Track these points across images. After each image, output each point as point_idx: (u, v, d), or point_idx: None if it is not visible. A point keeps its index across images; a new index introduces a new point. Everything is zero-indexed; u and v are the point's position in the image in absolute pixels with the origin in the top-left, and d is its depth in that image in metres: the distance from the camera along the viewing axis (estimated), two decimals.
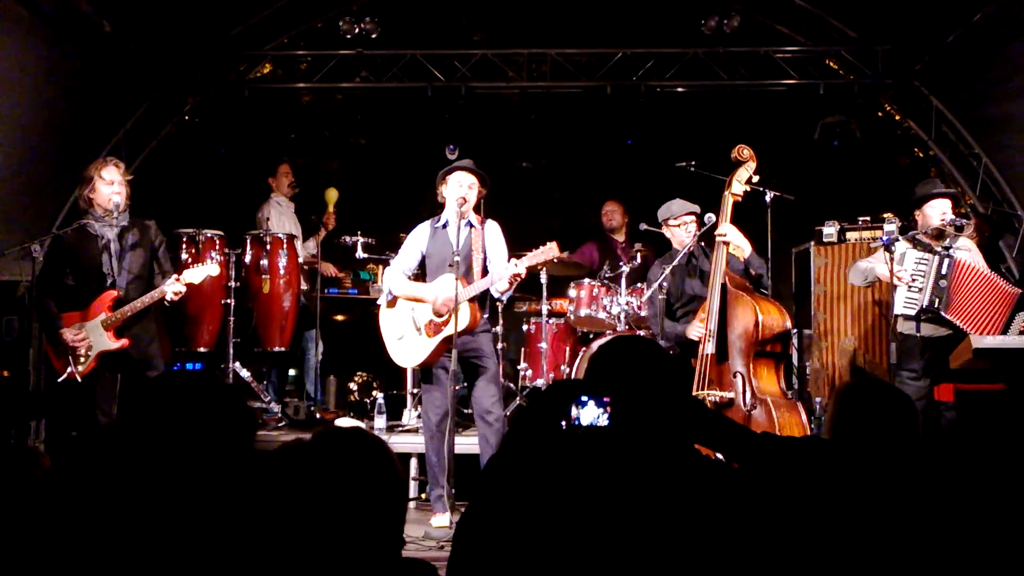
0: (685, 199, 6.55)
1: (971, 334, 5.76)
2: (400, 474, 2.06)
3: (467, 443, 6.34)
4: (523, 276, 5.54)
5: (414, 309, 5.89)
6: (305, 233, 8.29)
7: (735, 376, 5.70)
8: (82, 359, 5.71)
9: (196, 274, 6.04)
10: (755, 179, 6.12)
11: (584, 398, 2.33)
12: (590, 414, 2.33)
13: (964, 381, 5.93)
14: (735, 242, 5.98)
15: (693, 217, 6.44)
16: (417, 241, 6.04)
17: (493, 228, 5.93)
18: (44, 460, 2.91)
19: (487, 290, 5.81)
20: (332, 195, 8.43)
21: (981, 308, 5.91)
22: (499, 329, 7.46)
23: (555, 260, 5.64)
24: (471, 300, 5.61)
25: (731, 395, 5.67)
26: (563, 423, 2.35)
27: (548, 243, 5.56)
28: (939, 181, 6.70)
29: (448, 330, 5.61)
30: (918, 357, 6.04)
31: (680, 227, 6.46)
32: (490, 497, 2.33)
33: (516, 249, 5.98)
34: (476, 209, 5.96)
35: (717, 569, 2.20)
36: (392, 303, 6.03)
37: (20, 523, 2.23)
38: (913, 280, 5.98)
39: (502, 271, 5.59)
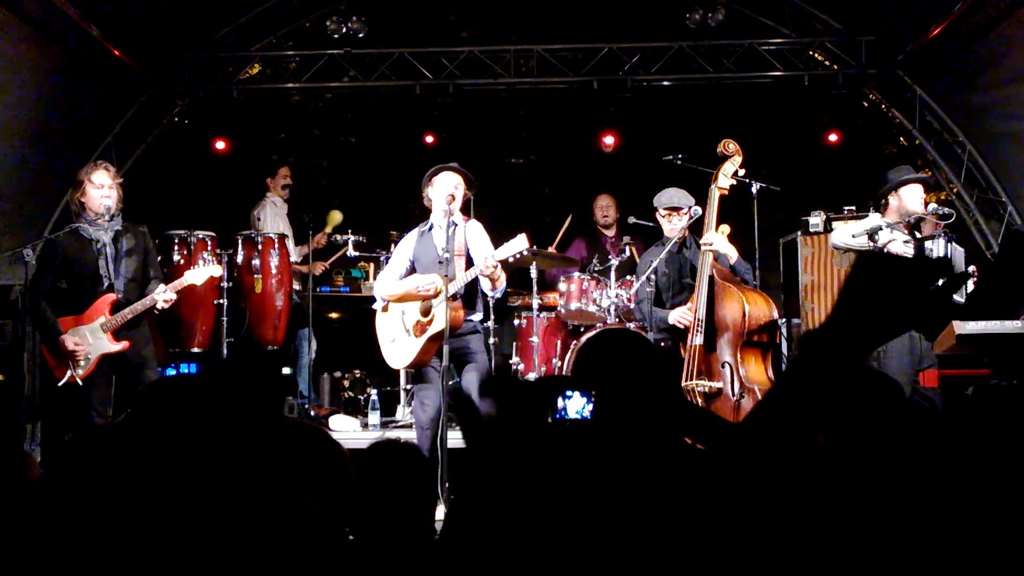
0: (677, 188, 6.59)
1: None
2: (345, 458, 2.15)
3: (455, 437, 6.37)
4: (495, 268, 5.56)
5: (404, 312, 5.95)
6: (297, 233, 8.32)
7: (723, 366, 5.79)
8: (82, 363, 5.75)
9: (199, 275, 6.11)
10: (741, 172, 6.19)
11: (569, 391, 2.37)
12: (575, 406, 2.37)
13: (948, 367, 6.00)
14: (721, 251, 6.06)
15: (676, 212, 6.47)
16: (405, 249, 6.13)
17: (475, 227, 5.98)
18: (33, 465, 2.95)
19: (477, 291, 5.88)
20: (335, 218, 8.47)
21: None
22: (491, 324, 7.52)
23: (526, 252, 5.67)
24: (453, 298, 5.64)
25: (719, 385, 5.77)
26: (549, 417, 2.39)
27: (518, 235, 5.61)
28: (911, 168, 6.73)
29: (433, 328, 5.67)
30: (908, 344, 6.11)
31: (665, 219, 6.51)
32: (476, 491, 2.38)
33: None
34: (463, 210, 6.03)
35: (705, 562, 2.24)
36: (386, 308, 6.11)
37: (13, 526, 2.28)
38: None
39: (477, 267, 5.65)
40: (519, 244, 5.54)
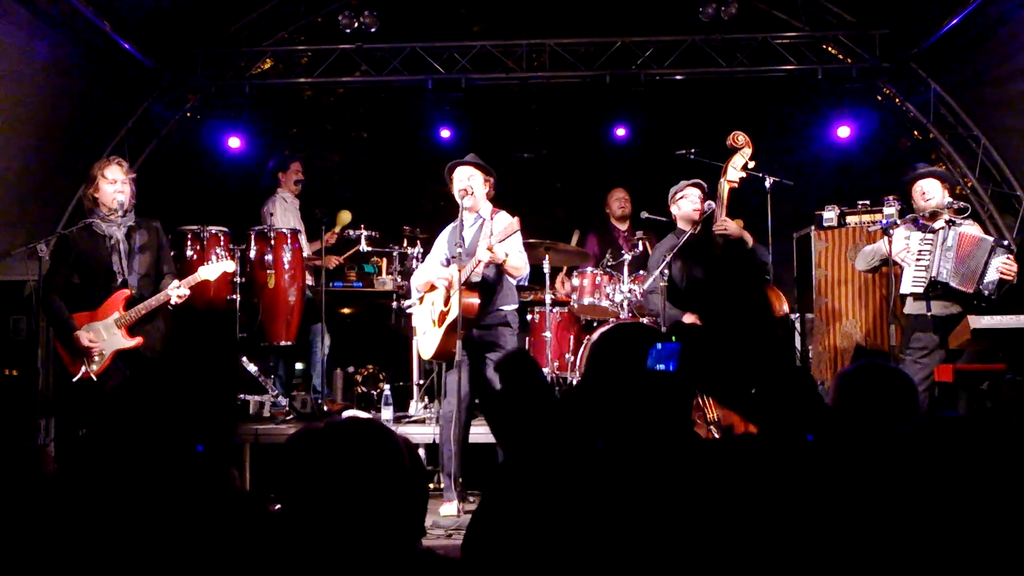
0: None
1: (966, 291, 5.88)
2: (406, 462, 2.09)
3: (476, 432, 6.38)
4: (491, 250, 5.59)
5: (432, 303, 6.00)
6: (308, 229, 8.32)
7: None
8: (96, 359, 5.77)
9: (212, 271, 6.14)
10: (751, 165, 6.17)
11: (658, 345, 2.31)
12: (660, 359, 2.31)
13: (963, 361, 5.96)
14: (735, 234, 6.05)
15: (698, 190, 6.47)
16: (440, 244, 6.22)
17: (500, 217, 5.99)
18: (48, 460, 2.96)
19: (501, 281, 5.89)
20: (343, 218, 8.47)
21: (971, 266, 5.99)
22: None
23: (517, 232, 5.70)
24: (469, 288, 5.65)
25: None
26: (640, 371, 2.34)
27: (512, 218, 5.67)
28: (928, 164, 6.73)
29: (450, 317, 5.71)
30: (927, 338, 6.09)
31: (685, 199, 6.50)
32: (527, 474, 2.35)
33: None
34: (491, 201, 6.05)
35: (719, 555, 2.22)
36: (421, 300, 6.20)
37: (26, 522, 2.27)
38: (919, 259, 6.03)
39: (478, 254, 5.67)
40: (512, 227, 5.60)
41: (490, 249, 5.57)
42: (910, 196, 6.33)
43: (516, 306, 6.10)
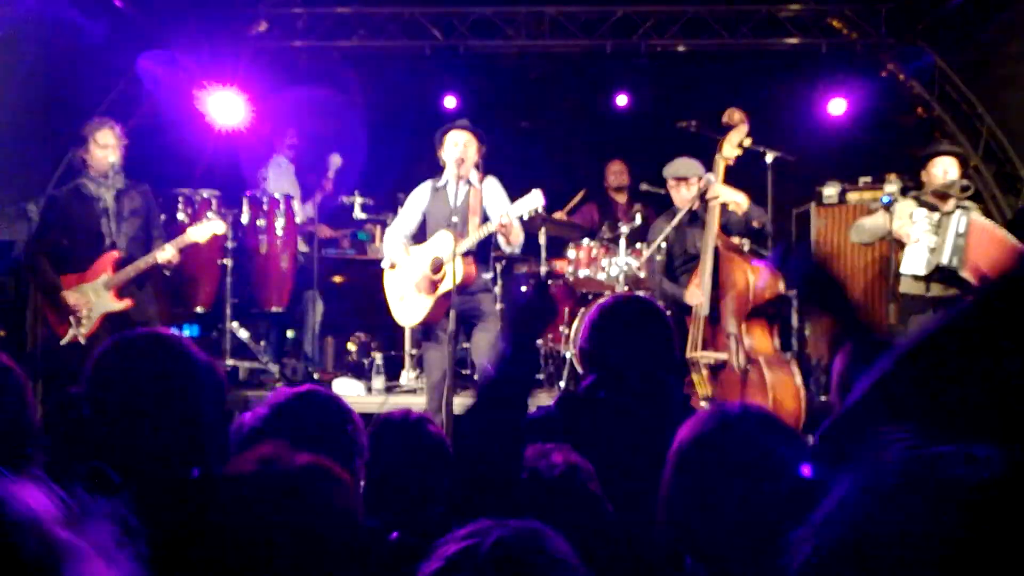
0: (689, 156, 6.50)
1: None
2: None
3: (465, 403, 6.33)
4: (510, 224, 5.50)
5: (414, 268, 5.89)
6: (303, 194, 8.24)
7: (728, 338, 5.72)
8: (84, 321, 5.70)
9: (202, 232, 6.06)
10: (747, 142, 6.07)
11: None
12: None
13: None
14: (729, 199, 5.97)
15: (684, 182, 6.37)
16: (417, 201, 6.04)
17: (492, 184, 5.90)
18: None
19: (489, 249, 5.82)
20: (335, 161, 8.38)
21: (991, 265, 5.94)
22: (498, 290, 7.44)
23: (541, 209, 5.60)
24: (465, 256, 5.57)
25: (724, 356, 5.70)
26: None
27: (532, 191, 5.53)
28: (946, 141, 6.66)
29: (444, 287, 5.61)
30: (924, 320, 6.05)
31: (674, 189, 6.43)
32: None
33: None
34: (477, 167, 5.95)
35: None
36: (394, 265, 6.04)
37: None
38: (925, 240, 5.99)
39: (492, 223, 5.57)
40: (534, 200, 5.50)
41: (509, 223, 5.47)
42: (924, 170, 6.24)
43: (492, 274, 6.10)
